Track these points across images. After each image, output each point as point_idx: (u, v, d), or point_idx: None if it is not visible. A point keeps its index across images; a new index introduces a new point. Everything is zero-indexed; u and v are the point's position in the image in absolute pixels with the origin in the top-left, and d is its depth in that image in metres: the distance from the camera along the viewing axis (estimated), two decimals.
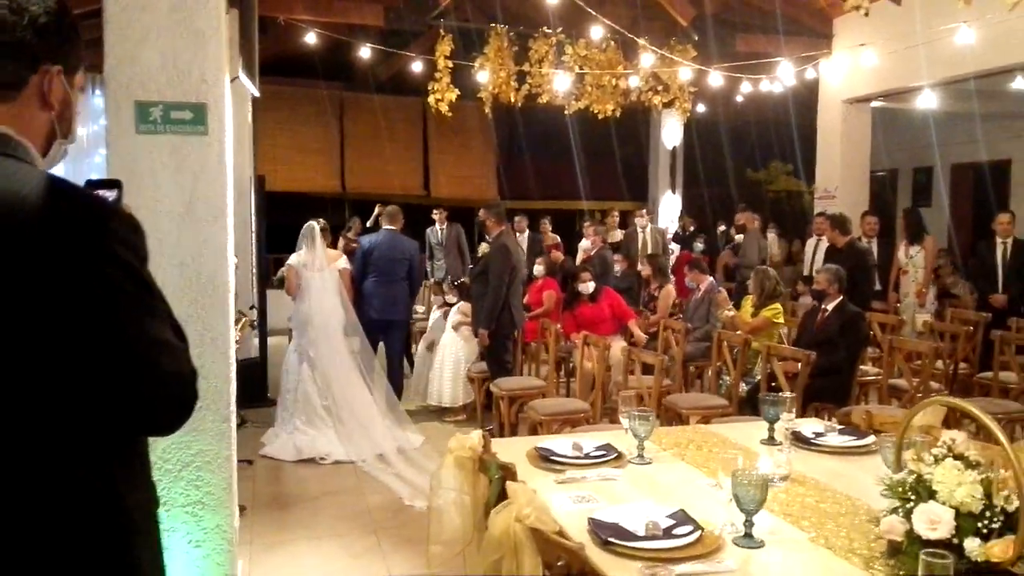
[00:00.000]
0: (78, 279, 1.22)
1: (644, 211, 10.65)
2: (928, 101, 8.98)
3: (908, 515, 1.85)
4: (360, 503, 4.66)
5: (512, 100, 8.85)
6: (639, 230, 10.04)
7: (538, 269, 7.51)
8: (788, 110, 10.71)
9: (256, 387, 6.87)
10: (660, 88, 9.23)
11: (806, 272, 8.94)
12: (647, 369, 5.04)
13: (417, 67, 8.99)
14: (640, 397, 4.88)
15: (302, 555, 3.97)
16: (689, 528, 2.06)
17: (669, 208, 13.81)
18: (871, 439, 2.93)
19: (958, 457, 1.85)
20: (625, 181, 14.28)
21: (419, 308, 8.53)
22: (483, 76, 8.59)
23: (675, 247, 11.51)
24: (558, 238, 11.01)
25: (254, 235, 7.42)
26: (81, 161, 8.09)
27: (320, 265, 5.83)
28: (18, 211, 1.21)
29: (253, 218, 7.40)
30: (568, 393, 6.35)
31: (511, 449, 2.81)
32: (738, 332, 5.58)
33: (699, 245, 11.12)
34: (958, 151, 12.06)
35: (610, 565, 1.92)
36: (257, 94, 5.91)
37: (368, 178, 12.37)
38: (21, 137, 1.34)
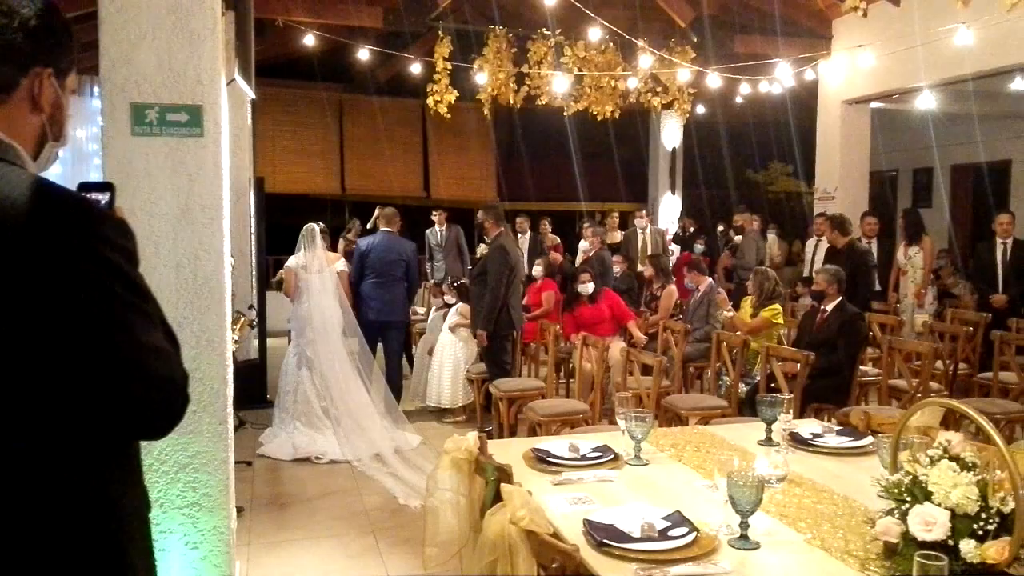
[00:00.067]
0: (68, 283, 1.21)
1: (644, 212, 10.64)
2: (927, 102, 8.98)
3: (904, 516, 1.84)
4: (358, 504, 4.66)
5: (511, 102, 8.85)
6: (639, 231, 10.03)
7: (537, 270, 7.51)
8: (788, 111, 10.72)
9: (255, 389, 6.87)
10: (659, 89, 9.24)
11: (806, 273, 8.93)
12: (646, 370, 5.04)
13: (416, 69, 9.00)
14: (639, 398, 4.88)
15: (300, 555, 3.96)
16: (685, 530, 2.06)
17: (669, 209, 13.80)
18: (869, 440, 2.92)
19: (954, 459, 1.85)
20: (625, 182, 14.28)
21: (419, 309, 8.54)
22: (482, 78, 8.60)
23: (675, 248, 11.51)
24: (558, 239, 11.01)
25: (253, 236, 7.42)
26: (81, 163, 8.11)
27: (320, 266, 5.85)
28: (7, 215, 1.21)
29: (252, 220, 7.40)
30: (568, 394, 6.35)
31: (508, 450, 2.81)
32: (737, 333, 5.58)
33: (699, 247, 11.12)
34: (958, 152, 12.07)
35: (605, 567, 1.91)
36: (253, 96, 5.92)
37: (368, 180, 12.39)
38: (11, 140, 1.34)
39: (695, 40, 8.89)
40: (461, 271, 9.31)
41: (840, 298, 5.39)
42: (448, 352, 6.63)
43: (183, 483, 3.12)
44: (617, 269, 8.52)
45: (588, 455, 2.74)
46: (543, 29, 8.45)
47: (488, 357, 6.02)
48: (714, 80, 9.02)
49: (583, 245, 9.69)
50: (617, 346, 5.86)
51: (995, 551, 1.72)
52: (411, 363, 7.43)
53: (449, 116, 8.77)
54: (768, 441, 2.93)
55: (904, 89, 8.75)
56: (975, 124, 10.51)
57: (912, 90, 8.73)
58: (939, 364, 5.79)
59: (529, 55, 8.60)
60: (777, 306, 6.13)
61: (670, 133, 13.52)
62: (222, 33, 3.28)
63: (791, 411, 2.90)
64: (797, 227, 12.48)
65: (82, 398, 1.23)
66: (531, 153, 13.79)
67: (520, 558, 1.93)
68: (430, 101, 8.59)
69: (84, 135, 7.86)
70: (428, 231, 10.43)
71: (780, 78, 9.18)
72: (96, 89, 6.74)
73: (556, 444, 2.84)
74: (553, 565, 1.84)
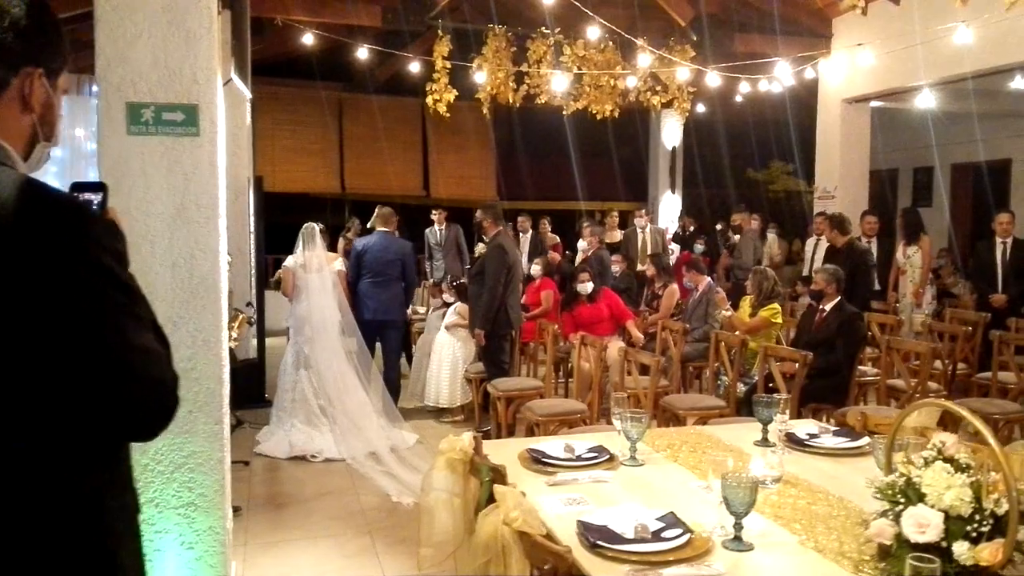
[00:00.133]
0: (57, 285, 1.21)
1: (643, 211, 10.62)
2: (927, 101, 8.97)
3: (897, 518, 1.84)
4: (355, 504, 4.66)
5: (510, 101, 8.84)
6: (638, 230, 10.02)
7: (535, 269, 7.51)
8: (788, 110, 10.70)
9: (254, 388, 6.88)
10: (659, 88, 9.23)
11: (806, 272, 8.93)
12: (644, 370, 5.04)
13: (415, 68, 8.99)
14: (636, 398, 4.88)
15: (296, 556, 3.96)
16: (678, 531, 2.05)
17: (669, 208, 13.80)
18: (865, 441, 2.91)
19: (948, 460, 1.84)
20: (624, 181, 14.27)
21: (420, 309, 8.54)
22: (481, 77, 8.59)
23: (675, 247, 11.50)
24: (557, 238, 11.00)
25: (252, 236, 7.42)
26: (80, 162, 8.10)
27: (319, 265, 5.86)
28: None
29: (251, 219, 7.40)
30: (567, 394, 6.35)
31: (504, 451, 2.80)
32: (736, 332, 5.57)
33: (699, 246, 11.11)
34: (958, 151, 12.05)
35: (598, 568, 1.91)
36: (249, 95, 5.91)
37: (367, 179, 12.38)
38: (1, 140, 1.34)
39: (695, 39, 8.88)
40: (460, 270, 9.31)
41: (839, 298, 5.38)
42: (446, 352, 6.63)
43: (179, 483, 3.12)
44: (616, 268, 8.51)
45: (583, 455, 2.74)
46: (542, 28, 8.44)
47: (486, 357, 6.02)
48: (714, 79, 9.01)
49: (581, 245, 9.68)
50: (615, 346, 5.85)
51: (989, 553, 1.71)
52: (411, 362, 7.43)
53: (448, 115, 8.76)
54: (764, 442, 2.93)
55: (904, 88, 8.74)
56: (975, 123, 10.49)
57: (912, 89, 8.72)
58: (938, 364, 5.78)
59: (528, 54, 8.60)
60: (776, 306, 6.12)
61: (670, 132, 13.51)
62: (218, 32, 3.27)
63: (787, 411, 2.90)
64: (798, 226, 12.47)
65: (72, 400, 1.23)
66: (530, 152, 13.78)
67: (513, 559, 1.93)
68: (429, 100, 8.58)
69: (83, 134, 7.85)
70: (427, 230, 10.42)
71: (780, 77, 9.17)
72: (95, 88, 6.74)
73: (551, 444, 2.84)
74: (546, 567, 1.83)
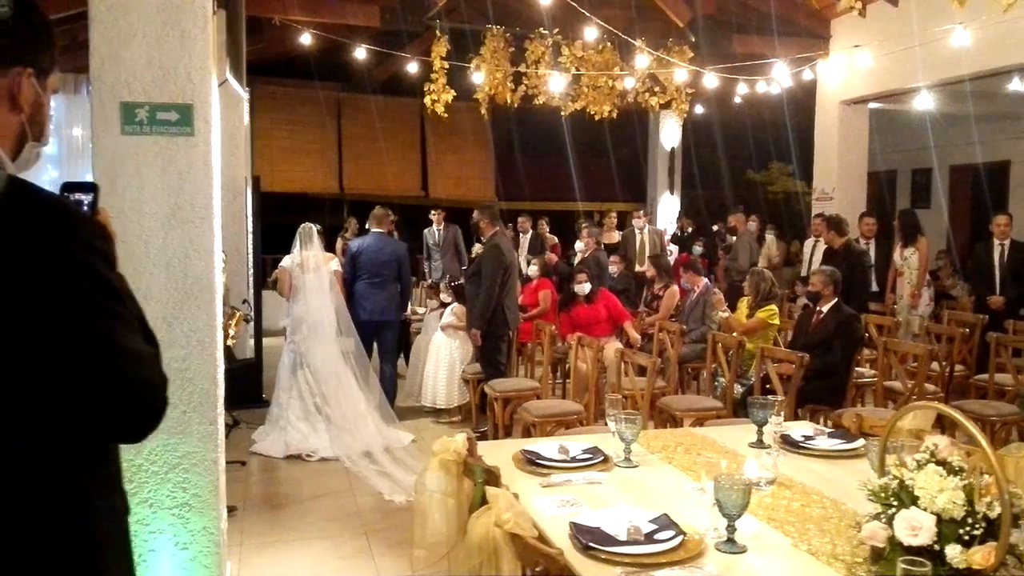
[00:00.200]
0: (43, 286, 1.20)
1: (642, 212, 10.63)
2: (926, 102, 8.97)
3: (890, 521, 1.83)
4: (351, 504, 4.65)
5: (508, 101, 8.84)
6: (637, 231, 10.02)
7: (533, 270, 7.51)
8: (787, 111, 10.70)
9: (251, 388, 6.87)
10: (657, 89, 9.22)
11: (804, 273, 8.92)
12: (641, 371, 5.03)
13: (413, 68, 8.99)
14: (633, 399, 4.87)
15: (292, 557, 3.95)
16: (671, 533, 2.05)
17: (667, 209, 13.79)
18: (860, 443, 2.91)
19: (940, 463, 1.84)
20: (622, 182, 14.27)
21: (419, 309, 8.53)
22: (479, 77, 8.59)
23: (673, 248, 11.50)
24: (555, 239, 11.00)
25: (250, 235, 7.42)
26: (77, 161, 8.10)
27: (316, 265, 5.86)
28: None
29: (249, 219, 7.40)
30: (564, 395, 6.34)
31: (499, 452, 2.80)
32: (733, 334, 5.57)
33: (698, 248, 11.12)
34: (957, 153, 12.06)
35: (590, 570, 1.90)
36: (244, 95, 5.91)
37: (366, 179, 12.38)
38: None
39: (693, 40, 8.88)
40: (458, 271, 9.31)
41: (836, 299, 5.38)
42: (443, 352, 6.62)
43: (173, 483, 3.11)
44: (614, 269, 8.52)
45: (578, 457, 2.73)
46: (540, 28, 8.44)
47: (483, 357, 6.01)
48: (712, 80, 9.01)
49: (578, 246, 9.68)
50: (612, 347, 5.85)
51: (981, 556, 1.71)
52: (408, 362, 7.44)
53: (446, 116, 8.76)
54: (759, 443, 2.92)
55: (902, 89, 8.74)
56: (973, 125, 10.50)
57: (910, 90, 8.72)
58: (935, 366, 5.78)
59: (526, 54, 8.59)
60: (773, 307, 6.12)
61: (669, 133, 13.51)
62: (213, 32, 3.26)
63: (782, 413, 2.89)
64: (796, 227, 12.47)
65: (59, 401, 1.22)
66: (529, 153, 13.79)
67: (505, 561, 1.92)
68: (427, 101, 8.57)
69: (81, 133, 7.85)
70: (426, 230, 10.44)
71: (778, 78, 9.17)
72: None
73: (546, 446, 2.83)
74: (537, 568, 1.83)
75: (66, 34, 6.35)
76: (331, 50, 9.22)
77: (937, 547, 1.75)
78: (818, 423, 4.59)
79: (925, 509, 1.78)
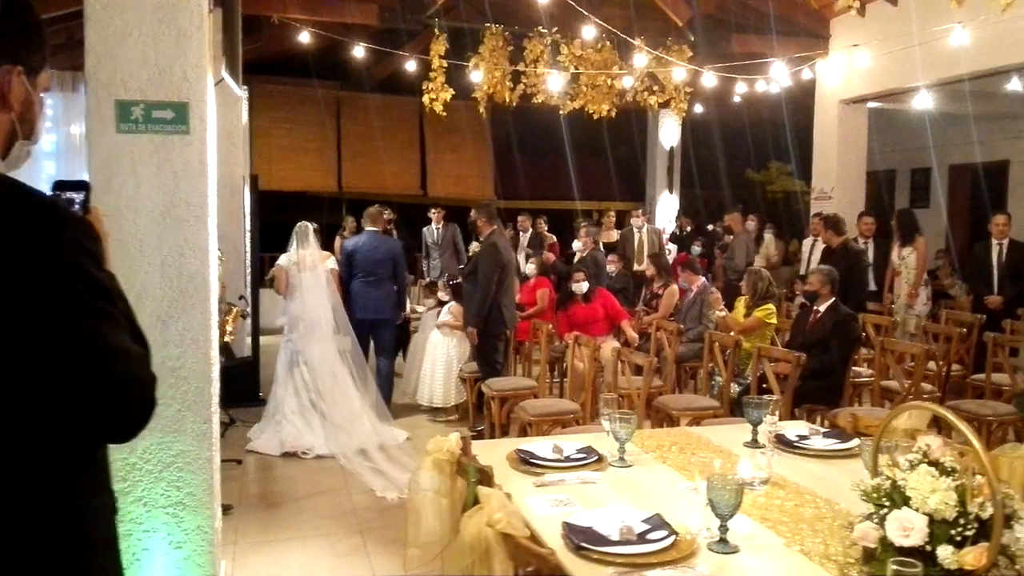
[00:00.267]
0: (33, 286, 1.20)
1: (640, 211, 10.63)
2: (925, 102, 8.96)
3: (882, 521, 1.83)
4: (347, 503, 4.65)
5: (507, 100, 8.83)
6: (635, 230, 10.01)
7: (530, 268, 7.50)
8: (788, 110, 10.70)
9: (248, 387, 6.87)
10: (656, 88, 9.21)
11: (803, 272, 8.92)
12: (639, 370, 5.03)
13: (412, 67, 8.98)
14: (630, 398, 4.87)
15: (287, 555, 3.95)
16: (664, 533, 2.04)
17: (666, 208, 13.79)
18: (855, 443, 2.90)
19: (933, 463, 1.83)
20: (621, 181, 14.26)
21: (419, 308, 8.53)
22: (477, 76, 8.58)
23: (672, 247, 11.50)
24: (554, 237, 11.00)
25: (248, 234, 7.42)
26: (76, 159, 8.09)
27: (313, 264, 5.89)
28: None
29: (247, 217, 7.39)
30: (561, 393, 6.34)
31: (494, 451, 2.80)
32: (731, 333, 5.56)
33: (696, 248, 11.12)
34: (955, 152, 12.05)
35: (582, 570, 1.90)
36: (240, 94, 5.91)
37: (364, 177, 12.36)
38: None
39: (692, 39, 8.87)
40: (457, 270, 9.31)
41: (833, 298, 5.37)
42: (440, 351, 6.62)
43: (167, 482, 3.11)
44: (613, 268, 8.51)
45: (572, 456, 2.73)
46: (539, 27, 8.43)
47: (480, 356, 6.01)
48: (710, 79, 9.00)
49: (576, 245, 9.68)
50: (609, 346, 5.85)
51: (973, 557, 1.70)
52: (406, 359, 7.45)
53: (445, 114, 8.75)
54: (754, 443, 2.92)
55: (901, 89, 8.74)
56: (972, 124, 10.49)
57: (909, 90, 8.72)
58: (933, 365, 5.78)
59: (525, 53, 8.59)
60: (770, 306, 6.12)
61: (668, 132, 13.51)
62: (209, 31, 3.26)
63: (777, 413, 2.89)
64: (796, 227, 12.47)
65: (47, 401, 1.22)
66: (527, 152, 13.78)
67: (496, 561, 1.92)
68: (426, 99, 8.56)
69: (79, 131, 7.84)
70: (425, 229, 10.45)
71: (777, 77, 9.16)
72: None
73: (540, 445, 2.83)
74: (528, 568, 1.83)
75: (63, 32, 6.35)
76: (330, 48, 9.21)
77: (929, 548, 1.74)
78: (815, 422, 4.59)
79: (917, 510, 1.77)
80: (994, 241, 7.17)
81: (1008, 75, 8.29)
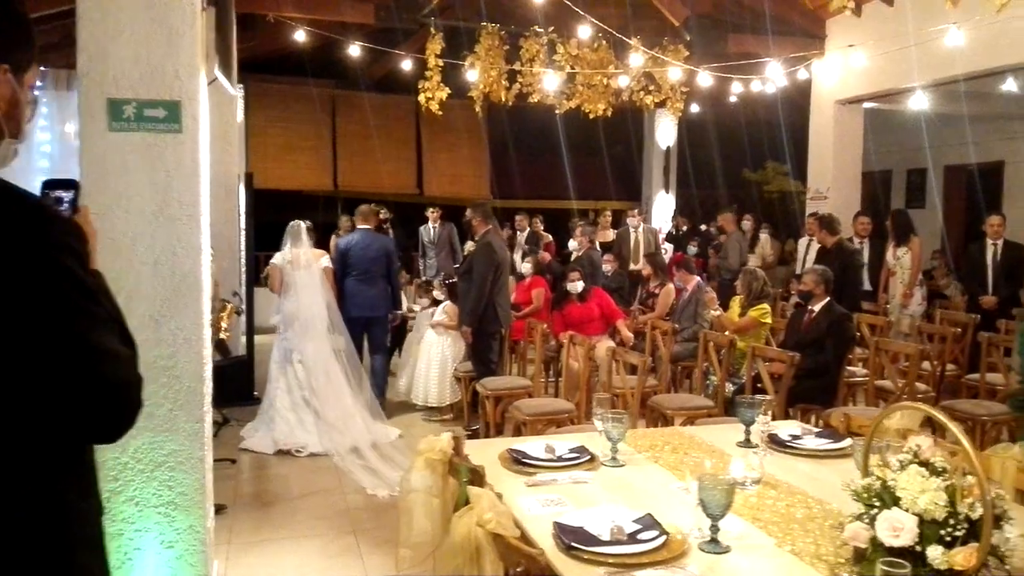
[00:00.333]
0: (16, 286, 1.19)
1: (636, 211, 10.62)
2: (921, 103, 8.97)
3: (872, 521, 1.83)
4: (341, 503, 4.64)
5: (503, 99, 8.82)
6: (631, 230, 10.01)
7: (526, 267, 7.50)
8: (784, 110, 10.69)
9: (243, 386, 6.86)
10: (652, 88, 9.21)
11: (798, 271, 8.93)
12: (633, 369, 5.03)
13: (408, 66, 8.96)
14: (625, 398, 4.87)
15: (280, 555, 3.94)
16: (654, 533, 2.04)
17: (663, 208, 13.79)
18: (847, 442, 2.90)
19: (923, 464, 1.83)
20: (617, 181, 14.26)
21: (415, 307, 8.53)
22: (473, 75, 8.57)
23: (668, 247, 11.50)
24: (550, 237, 11.00)
25: (243, 233, 7.41)
26: (70, 158, 8.07)
27: (307, 262, 5.90)
28: None
29: (242, 216, 7.39)
30: (556, 393, 6.33)
31: (488, 451, 2.79)
32: (726, 332, 5.57)
33: (692, 248, 11.12)
34: (951, 153, 12.07)
35: (572, 570, 1.90)
36: (234, 93, 5.90)
37: (360, 176, 12.34)
38: None
39: (688, 39, 8.87)
40: (452, 269, 9.31)
41: (828, 298, 5.38)
42: (435, 350, 6.62)
43: (159, 482, 3.10)
44: (608, 268, 8.51)
45: (564, 456, 2.73)
46: (535, 27, 8.42)
47: (474, 355, 6.01)
48: (706, 79, 9.00)
49: (572, 244, 9.68)
50: (604, 345, 5.85)
51: (963, 558, 1.71)
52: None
53: (441, 113, 8.74)
54: (746, 443, 2.92)
55: (897, 89, 8.74)
56: (967, 125, 10.51)
57: (905, 90, 8.72)
58: (928, 365, 5.79)
59: (521, 53, 8.57)
60: (765, 306, 6.12)
61: (664, 132, 13.52)
62: (202, 29, 3.25)
63: (769, 412, 2.89)
64: (792, 226, 12.47)
65: (32, 402, 1.21)
66: (523, 151, 13.77)
67: (487, 561, 1.92)
68: (422, 98, 8.55)
69: (73, 130, 7.83)
70: (421, 228, 10.46)
71: (773, 77, 9.16)
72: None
73: (532, 445, 2.82)
74: (518, 568, 1.82)
75: (58, 30, 6.33)
76: (325, 47, 9.19)
77: (919, 548, 1.74)
78: (809, 422, 4.60)
79: (907, 510, 1.77)
80: (989, 241, 7.19)
81: (1003, 76, 8.29)
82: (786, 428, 3.19)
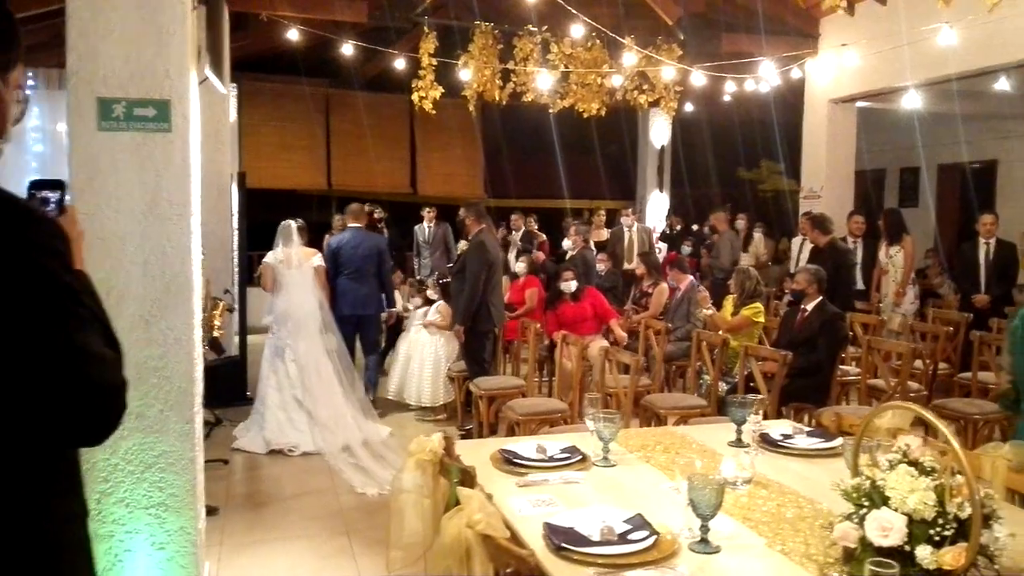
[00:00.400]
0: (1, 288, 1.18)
1: (630, 210, 10.63)
2: (914, 102, 8.98)
3: (862, 521, 1.83)
4: (334, 503, 4.63)
5: (497, 98, 8.81)
6: (625, 229, 10.02)
7: (520, 267, 7.49)
8: (778, 109, 10.70)
9: (236, 386, 6.84)
10: (646, 87, 9.21)
11: (792, 270, 8.94)
12: (626, 369, 5.02)
13: (401, 65, 8.95)
14: (618, 397, 4.87)
15: (272, 557, 3.93)
16: (645, 533, 2.04)
17: (657, 207, 13.80)
18: (839, 442, 2.90)
19: (912, 463, 1.83)
20: (611, 180, 14.26)
21: (410, 306, 8.52)
22: (467, 74, 8.56)
23: (662, 246, 11.50)
24: (544, 236, 11.00)
25: (236, 232, 7.39)
26: (60, 158, 8.04)
27: (298, 262, 5.91)
28: None
29: (234, 215, 7.36)
30: (550, 392, 6.33)
31: (480, 451, 2.79)
32: (720, 332, 5.57)
33: (687, 248, 11.12)
34: (944, 152, 12.08)
35: (562, 571, 1.89)
36: (224, 92, 5.89)
37: (354, 175, 12.32)
38: None
39: (682, 38, 8.86)
40: (446, 268, 9.30)
41: (820, 297, 5.38)
42: (428, 350, 6.61)
43: (149, 483, 3.09)
44: (602, 267, 8.51)
45: (555, 456, 2.72)
46: (529, 26, 8.41)
47: (468, 355, 6.01)
48: (700, 79, 9.00)
49: (566, 244, 9.68)
50: (597, 344, 5.85)
51: (951, 557, 1.71)
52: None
53: (435, 112, 8.73)
54: (738, 442, 2.92)
55: (890, 88, 8.75)
56: (961, 124, 10.53)
57: (898, 89, 8.73)
58: (920, 364, 5.79)
59: (515, 52, 8.56)
60: (758, 305, 6.13)
61: (658, 131, 13.52)
62: (192, 28, 3.24)
63: (760, 412, 2.89)
64: (787, 225, 12.48)
65: (15, 405, 1.20)
66: (517, 150, 13.76)
67: (476, 562, 1.91)
68: (415, 97, 8.54)
69: (63, 129, 7.80)
70: (417, 227, 10.47)
71: (767, 77, 9.17)
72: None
73: (524, 445, 2.82)
74: (508, 570, 1.82)
75: (49, 29, 6.30)
76: (318, 46, 9.17)
77: (908, 548, 1.75)
78: (802, 421, 4.60)
79: (896, 510, 1.77)
80: (981, 240, 7.21)
81: (996, 75, 8.31)
82: (778, 427, 3.20)
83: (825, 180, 9.54)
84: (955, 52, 7.16)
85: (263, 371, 5.85)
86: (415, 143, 12.77)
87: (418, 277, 9.26)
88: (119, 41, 3.01)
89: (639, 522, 2.10)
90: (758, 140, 12.97)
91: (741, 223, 10.68)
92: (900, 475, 1.80)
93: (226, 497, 4.71)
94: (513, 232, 10.72)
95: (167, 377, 3.09)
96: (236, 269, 7.39)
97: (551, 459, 2.70)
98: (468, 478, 2.28)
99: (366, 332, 6.66)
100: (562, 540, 1.99)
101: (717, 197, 13.54)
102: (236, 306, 6.95)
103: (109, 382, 1.28)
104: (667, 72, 8.79)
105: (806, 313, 5.40)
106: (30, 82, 7.24)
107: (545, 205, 13.69)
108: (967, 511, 1.73)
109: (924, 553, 1.72)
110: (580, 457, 2.72)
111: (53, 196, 1.56)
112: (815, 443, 2.95)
